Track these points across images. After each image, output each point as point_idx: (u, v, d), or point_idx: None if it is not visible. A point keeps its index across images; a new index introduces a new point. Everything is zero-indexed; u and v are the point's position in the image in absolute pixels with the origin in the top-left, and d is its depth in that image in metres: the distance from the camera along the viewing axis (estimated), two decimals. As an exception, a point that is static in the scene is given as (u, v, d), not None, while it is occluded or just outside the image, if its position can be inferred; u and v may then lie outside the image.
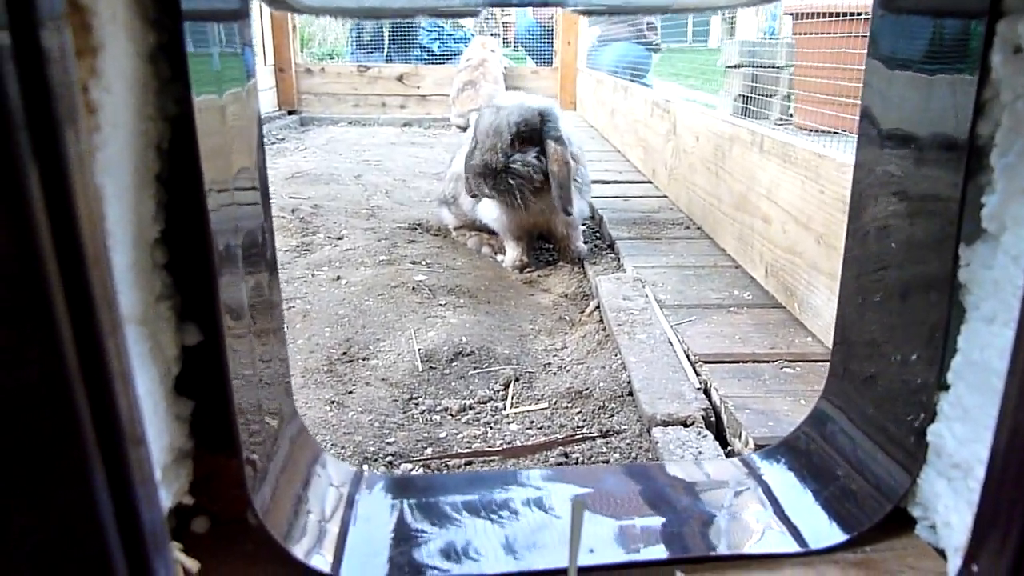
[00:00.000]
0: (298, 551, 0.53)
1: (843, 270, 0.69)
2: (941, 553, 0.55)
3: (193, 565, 0.48)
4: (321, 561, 0.54)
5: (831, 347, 0.73)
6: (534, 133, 2.44)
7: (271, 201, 2.65)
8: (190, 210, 0.46)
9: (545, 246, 2.95)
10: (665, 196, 3.49)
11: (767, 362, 1.73)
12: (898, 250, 0.58)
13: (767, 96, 6.44)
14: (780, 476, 0.66)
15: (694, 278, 2.34)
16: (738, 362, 1.73)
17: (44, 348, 0.33)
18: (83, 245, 0.33)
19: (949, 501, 0.48)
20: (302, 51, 10.31)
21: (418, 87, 7.54)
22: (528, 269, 2.69)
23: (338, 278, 2.53)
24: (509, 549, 0.57)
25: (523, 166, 2.43)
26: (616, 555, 0.56)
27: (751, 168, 2.32)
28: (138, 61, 0.43)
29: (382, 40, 8.73)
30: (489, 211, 2.70)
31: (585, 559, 0.53)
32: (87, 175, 0.33)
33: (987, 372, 0.46)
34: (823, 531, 0.57)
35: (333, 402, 1.76)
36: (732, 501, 0.64)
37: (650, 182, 3.84)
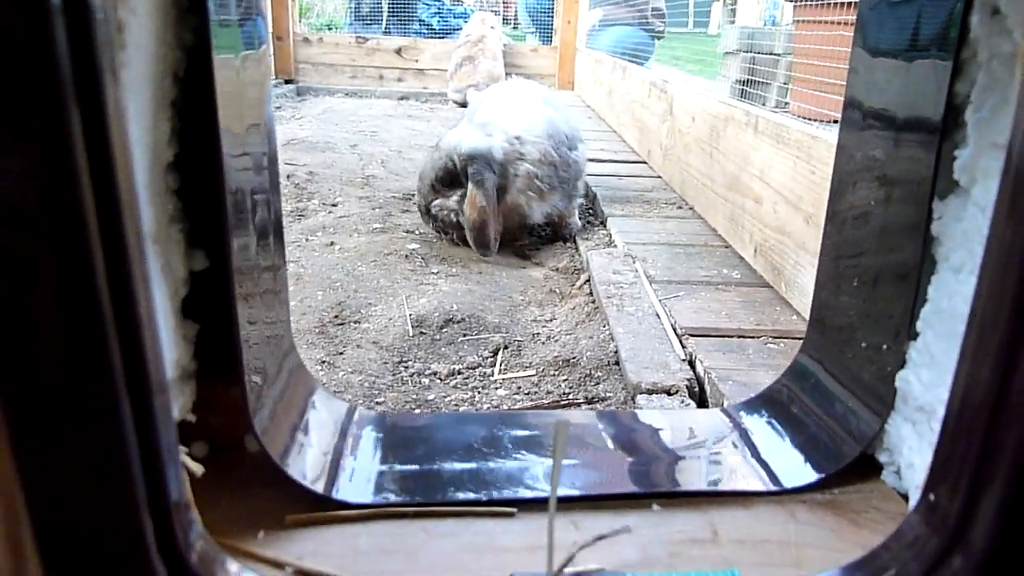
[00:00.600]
0: (295, 473, 0.56)
1: (824, 231, 0.71)
2: (904, 497, 0.58)
3: (197, 469, 0.50)
4: (315, 483, 0.57)
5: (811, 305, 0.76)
6: (455, 177, 2.51)
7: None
8: (203, 138, 0.49)
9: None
10: (659, 176, 3.51)
11: (752, 337, 1.77)
12: (876, 204, 0.61)
13: (765, 82, 6.44)
14: (758, 424, 0.70)
15: (684, 256, 2.37)
16: (724, 336, 1.77)
17: (73, 257, 0.35)
18: (114, 160, 0.35)
19: (913, 443, 0.51)
20: (300, 20, 10.24)
21: (416, 61, 7.51)
22: (518, 243, 2.73)
23: (332, 244, 2.55)
24: (491, 480, 0.59)
25: (440, 210, 2.56)
26: (596, 487, 0.59)
27: (745, 149, 2.34)
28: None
29: (381, 13, 8.68)
30: None
31: (565, 491, 0.55)
32: (120, 94, 0.35)
33: (953, 319, 0.49)
34: (795, 472, 0.61)
35: (324, 362, 1.79)
36: (711, 445, 0.67)
37: (645, 162, 3.86)
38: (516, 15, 15.75)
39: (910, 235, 0.54)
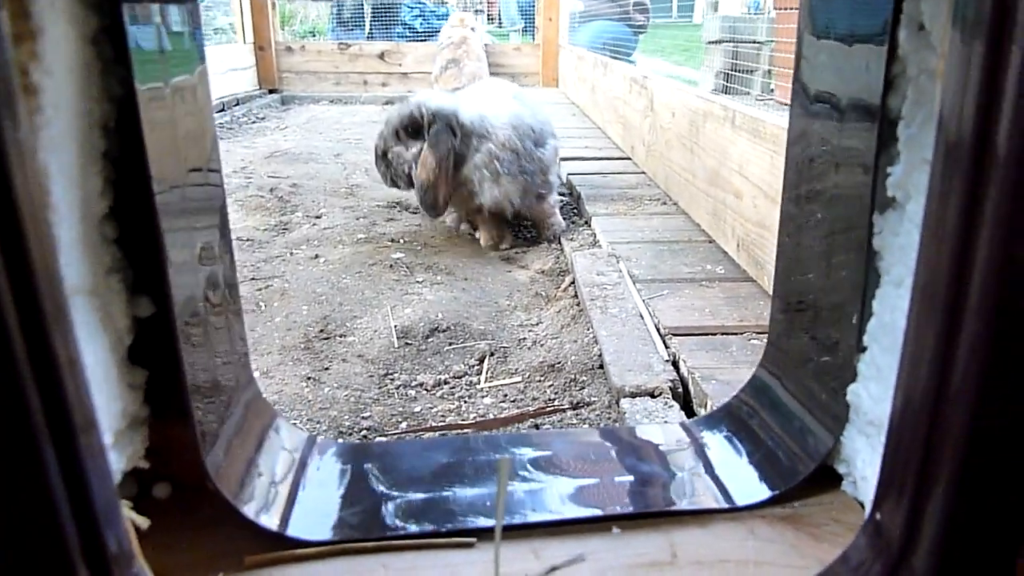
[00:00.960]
0: (248, 511, 0.56)
1: (779, 239, 0.71)
2: (863, 506, 0.58)
3: (143, 522, 0.50)
4: (270, 520, 0.57)
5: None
6: (419, 129, 2.57)
7: (249, 181, 2.64)
8: (137, 187, 0.48)
9: (524, 223, 2.97)
10: (643, 172, 3.51)
11: (736, 334, 1.77)
12: (823, 219, 0.61)
13: (748, 72, 6.44)
14: (717, 440, 0.70)
15: (668, 253, 2.37)
16: (707, 334, 1.77)
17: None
18: (24, 225, 0.35)
19: (866, 456, 0.52)
20: (283, 29, 10.22)
21: (400, 65, 7.50)
22: (503, 246, 2.73)
23: (316, 256, 2.55)
24: (452, 509, 0.59)
25: (396, 158, 2.63)
26: (555, 512, 0.59)
27: (723, 144, 2.34)
28: (80, 44, 0.45)
29: (363, 18, 8.65)
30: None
31: (523, 517, 0.56)
32: (26, 155, 0.35)
33: (896, 333, 0.49)
34: (753, 489, 0.61)
35: (309, 378, 1.78)
36: (671, 463, 0.67)
37: (629, 158, 3.86)
38: (500, 14, 15.75)
39: (855, 249, 0.54)
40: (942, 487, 0.42)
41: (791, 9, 5.94)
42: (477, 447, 0.66)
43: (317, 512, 0.59)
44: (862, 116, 0.52)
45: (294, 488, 0.62)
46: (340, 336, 2.01)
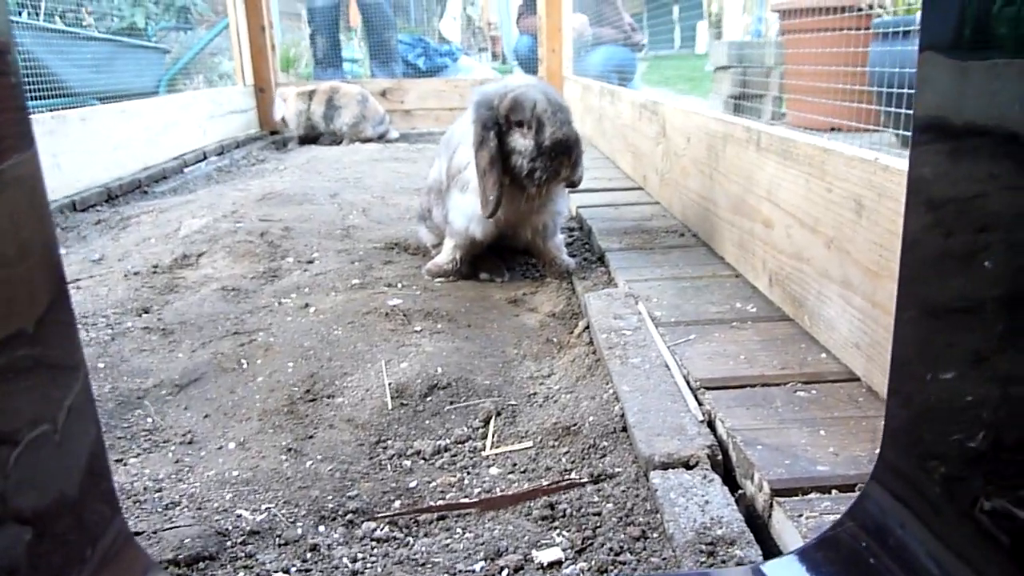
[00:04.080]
0: None
1: (899, 295, 0.50)
2: None
3: None
4: None
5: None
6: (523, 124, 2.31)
7: (239, 225, 2.42)
8: None
9: (531, 261, 2.75)
10: (658, 203, 3.30)
11: (778, 385, 1.53)
12: (980, 282, 0.40)
13: (758, 95, 6.27)
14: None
15: (692, 290, 2.14)
16: (745, 387, 1.53)
17: None
18: None
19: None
20: (287, 72, 10.14)
21: (402, 102, 7.38)
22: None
23: (306, 306, 2.33)
24: None
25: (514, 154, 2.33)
26: None
27: (748, 168, 2.13)
28: None
29: (339, 56, 8.52)
30: (459, 204, 2.47)
31: None
32: None
33: None
34: None
35: (290, 450, 1.56)
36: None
37: (641, 188, 3.65)
38: (503, 51, 15.77)
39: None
40: None
41: (799, 34, 5.79)
42: None
43: None
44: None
45: None
46: (328, 397, 1.78)
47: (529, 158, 2.22)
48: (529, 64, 8.68)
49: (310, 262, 2.77)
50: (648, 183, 3.54)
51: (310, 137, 6.47)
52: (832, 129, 4.00)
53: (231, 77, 8.15)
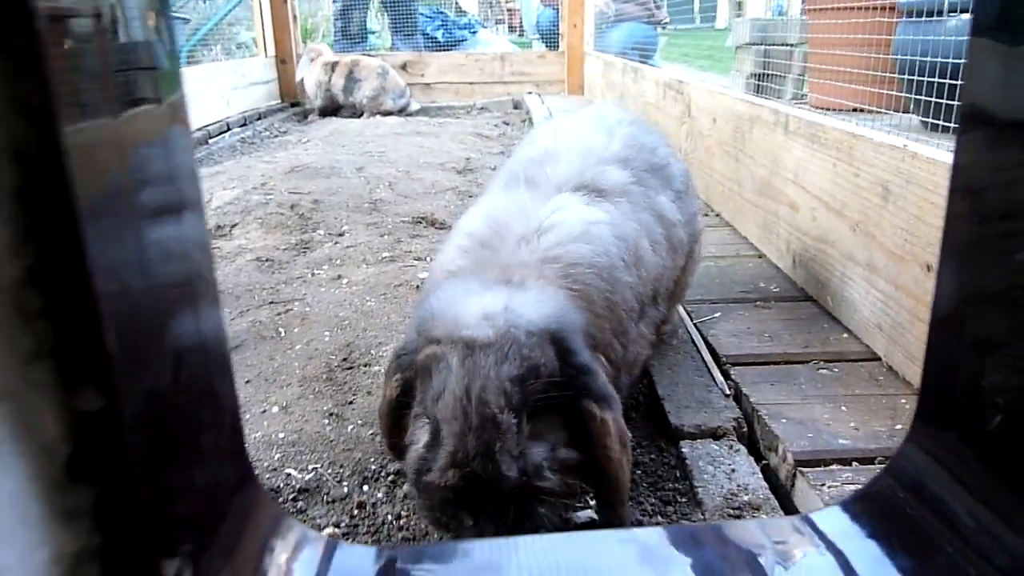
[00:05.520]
0: None
1: (938, 280, 0.55)
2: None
3: None
4: None
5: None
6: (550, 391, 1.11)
7: (270, 197, 2.47)
8: (64, 236, 0.33)
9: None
10: (680, 182, 3.34)
11: (801, 363, 1.59)
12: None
13: (780, 75, 6.24)
14: (854, 542, 0.53)
15: (716, 269, 2.19)
16: (770, 364, 1.59)
17: None
18: None
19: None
20: (306, 42, 10.15)
21: (422, 75, 7.39)
22: None
23: (339, 277, 2.40)
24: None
25: (555, 475, 1.07)
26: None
27: (774, 151, 2.17)
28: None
29: (365, 31, 8.53)
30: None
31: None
32: None
33: None
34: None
35: (332, 414, 1.63)
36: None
37: (664, 167, 3.68)
38: (521, 23, 15.63)
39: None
40: None
41: (822, 8, 5.75)
42: (523, 549, 0.50)
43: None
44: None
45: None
46: (364, 365, 1.86)
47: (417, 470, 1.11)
48: (550, 38, 8.66)
49: (340, 235, 2.84)
50: (671, 162, 3.57)
51: (329, 109, 6.51)
52: (855, 110, 4.01)
53: (249, 47, 8.19)
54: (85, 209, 0.33)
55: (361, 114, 6.41)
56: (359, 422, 1.60)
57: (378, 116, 6.27)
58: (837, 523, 0.56)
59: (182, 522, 0.42)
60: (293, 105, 6.93)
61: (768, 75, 6.29)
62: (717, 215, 2.76)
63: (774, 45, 6.84)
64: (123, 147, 0.38)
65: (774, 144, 2.17)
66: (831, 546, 0.53)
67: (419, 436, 1.12)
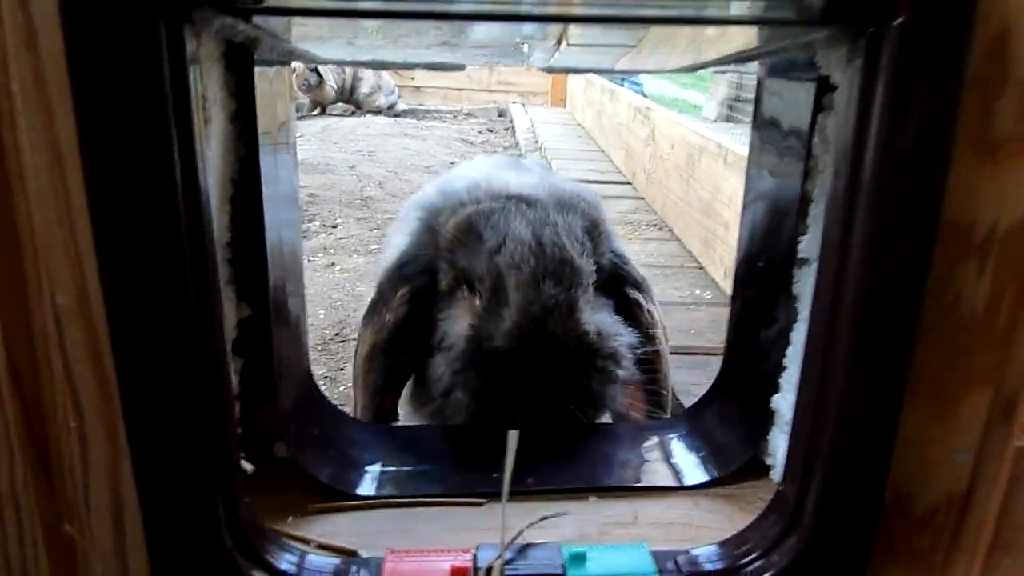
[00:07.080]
0: (315, 472, 0.73)
1: (735, 275, 0.88)
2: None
3: (248, 467, 0.67)
4: (327, 478, 0.74)
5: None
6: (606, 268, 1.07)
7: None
8: (251, 226, 0.66)
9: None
10: (642, 198, 3.70)
11: (716, 355, 1.94)
12: (764, 264, 0.78)
13: (750, 102, 6.62)
14: (676, 437, 0.87)
15: (661, 277, 2.55)
16: (691, 354, 1.95)
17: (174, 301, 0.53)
18: (204, 222, 0.53)
19: (784, 449, 0.69)
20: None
21: (412, 78, 7.71)
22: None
23: (332, 264, 2.73)
24: (467, 479, 0.76)
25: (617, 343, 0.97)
26: (548, 483, 0.76)
27: (716, 179, 2.53)
28: (225, 122, 0.63)
29: None
30: None
31: (522, 485, 0.73)
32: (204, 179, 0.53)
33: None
34: (700, 474, 0.78)
35: (327, 377, 1.96)
36: (640, 451, 0.84)
37: (630, 183, 4.04)
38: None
39: (784, 292, 0.72)
40: (821, 470, 0.60)
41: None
42: (488, 434, 0.81)
43: (366, 477, 0.76)
44: (791, 194, 0.71)
45: (346, 459, 0.79)
46: (355, 339, 2.19)
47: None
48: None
49: (334, 227, 3.16)
50: (636, 179, 3.94)
51: (322, 105, 6.81)
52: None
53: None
54: (266, 206, 0.66)
55: (359, 107, 6.73)
56: (349, 384, 1.93)
57: (369, 115, 6.59)
58: (667, 426, 0.91)
59: (284, 385, 0.75)
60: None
61: (740, 102, 6.69)
62: (670, 230, 3.12)
63: (747, 73, 7.25)
64: (279, 175, 0.71)
65: (716, 173, 2.53)
66: (663, 437, 0.87)
67: (460, 311, 0.95)
